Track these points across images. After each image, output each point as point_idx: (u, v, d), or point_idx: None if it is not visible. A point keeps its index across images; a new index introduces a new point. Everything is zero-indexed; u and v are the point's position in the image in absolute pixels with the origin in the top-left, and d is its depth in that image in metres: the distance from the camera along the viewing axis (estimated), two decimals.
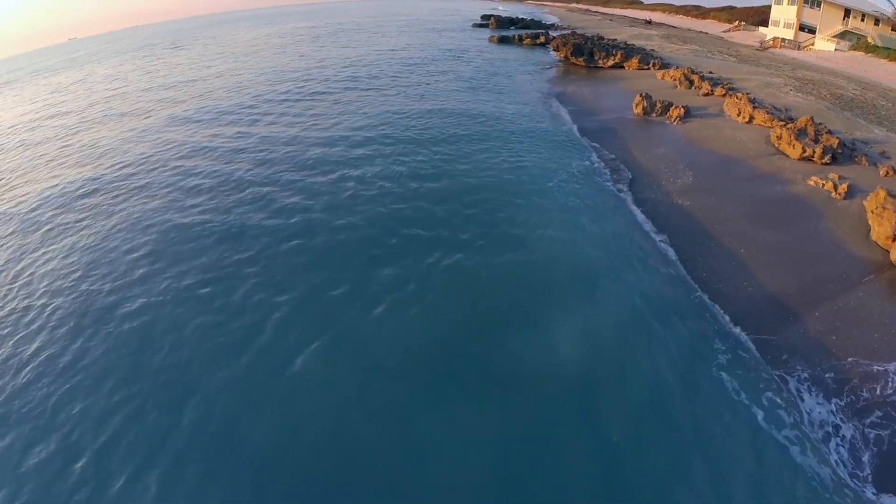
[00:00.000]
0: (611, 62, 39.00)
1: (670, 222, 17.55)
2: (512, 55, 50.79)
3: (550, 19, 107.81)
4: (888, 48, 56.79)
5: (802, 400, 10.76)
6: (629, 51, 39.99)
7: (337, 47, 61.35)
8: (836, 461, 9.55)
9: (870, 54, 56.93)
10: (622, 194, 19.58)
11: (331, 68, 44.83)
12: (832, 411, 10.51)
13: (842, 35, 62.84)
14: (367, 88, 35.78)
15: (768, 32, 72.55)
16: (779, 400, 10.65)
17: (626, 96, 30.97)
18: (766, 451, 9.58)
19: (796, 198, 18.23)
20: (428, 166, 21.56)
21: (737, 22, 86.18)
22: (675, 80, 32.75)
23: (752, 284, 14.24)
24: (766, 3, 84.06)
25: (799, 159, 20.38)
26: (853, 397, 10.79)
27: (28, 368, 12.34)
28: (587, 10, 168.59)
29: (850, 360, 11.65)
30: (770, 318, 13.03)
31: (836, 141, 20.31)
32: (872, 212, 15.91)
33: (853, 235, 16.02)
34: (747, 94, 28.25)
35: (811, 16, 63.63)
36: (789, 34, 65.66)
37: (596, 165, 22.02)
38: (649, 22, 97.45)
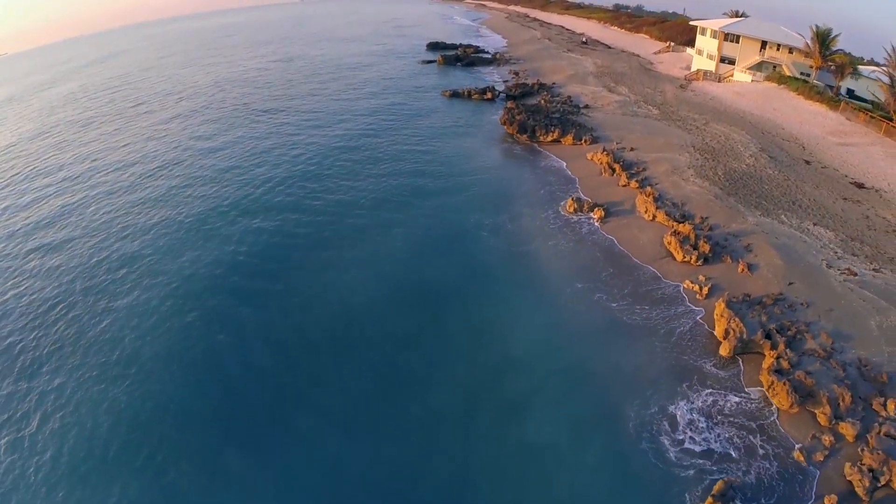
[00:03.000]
0: (550, 138, 48.18)
1: None
2: (465, 117, 59.81)
3: (494, 41, 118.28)
4: (797, 79, 67.84)
5: None
6: (565, 125, 49.23)
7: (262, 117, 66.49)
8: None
9: (782, 86, 68.04)
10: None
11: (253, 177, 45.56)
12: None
13: (759, 66, 74.16)
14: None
15: (693, 62, 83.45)
16: None
17: (564, 186, 40.26)
18: None
19: (674, 297, 27.45)
20: None
21: (667, 43, 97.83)
22: (601, 164, 42.01)
23: None
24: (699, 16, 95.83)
25: (681, 262, 29.60)
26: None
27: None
28: (525, 14, 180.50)
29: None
30: None
31: (709, 248, 29.57)
32: (715, 317, 25.09)
33: (707, 324, 25.26)
34: (656, 184, 37.65)
35: (731, 49, 74.65)
36: (711, 66, 76.59)
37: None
38: (585, 42, 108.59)
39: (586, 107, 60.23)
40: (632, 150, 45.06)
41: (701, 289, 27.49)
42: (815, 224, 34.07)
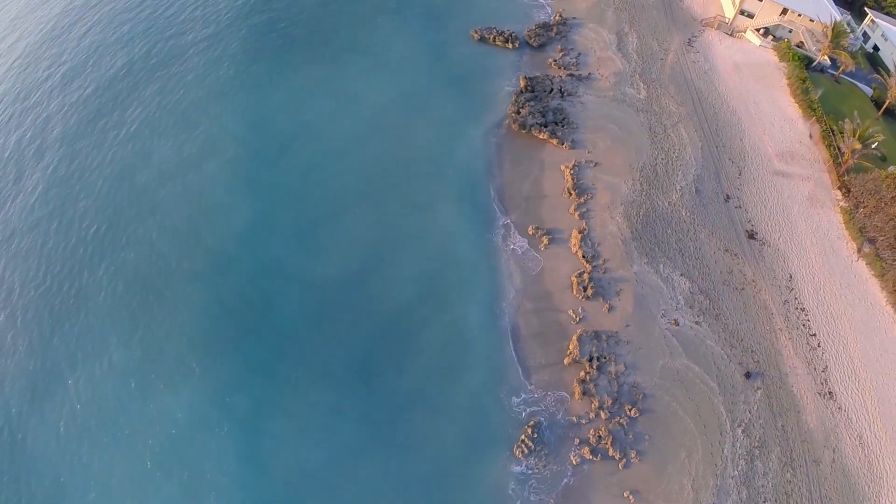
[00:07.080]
0: (542, 136, 66.35)
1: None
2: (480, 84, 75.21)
3: None
4: (798, 60, 78.36)
5: None
6: (555, 126, 66.79)
7: None
8: None
9: (782, 63, 79.38)
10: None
11: None
12: None
13: (775, 27, 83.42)
14: None
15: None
16: None
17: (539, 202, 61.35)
18: None
19: (559, 321, 52.40)
20: None
21: None
22: (565, 179, 61.96)
23: None
24: None
25: (574, 295, 53.50)
26: None
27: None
28: None
29: None
30: None
31: (592, 291, 52.96)
32: (571, 342, 50.35)
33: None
34: (591, 218, 58.64)
35: (753, 4, 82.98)
36: (730, 14, 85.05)
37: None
38: None
39: (589, 76, 74.72)
40: (595, 165, 63.91)
41: (576, 317, 52.25)
42: (681, 275, 55.98)
